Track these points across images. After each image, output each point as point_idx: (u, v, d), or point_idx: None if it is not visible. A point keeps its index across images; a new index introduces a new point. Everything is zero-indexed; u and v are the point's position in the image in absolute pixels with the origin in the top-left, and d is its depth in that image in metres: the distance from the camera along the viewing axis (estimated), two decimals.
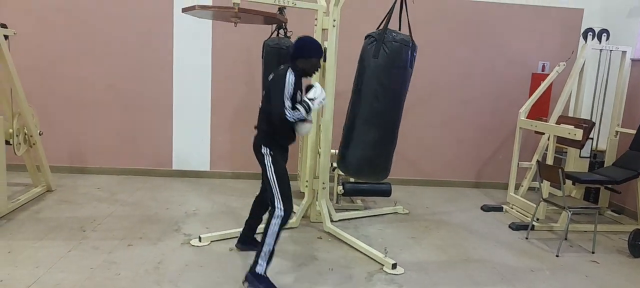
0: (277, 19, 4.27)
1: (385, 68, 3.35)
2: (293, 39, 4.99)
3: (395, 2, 3.44)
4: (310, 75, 3.22)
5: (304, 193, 4.59)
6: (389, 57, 3.31)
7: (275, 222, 3.14)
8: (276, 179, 3.18)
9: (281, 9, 4.78)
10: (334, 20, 4.18)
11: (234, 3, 3.79)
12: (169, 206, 4.78)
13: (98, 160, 5.86)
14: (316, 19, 4.28)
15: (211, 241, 3.91)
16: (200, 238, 3.88)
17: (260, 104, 3.31)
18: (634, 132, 4.97)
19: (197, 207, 4.82)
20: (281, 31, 5.03)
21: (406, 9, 3.42)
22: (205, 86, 5.82)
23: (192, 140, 5.91)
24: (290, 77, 3.01)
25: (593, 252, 4.17)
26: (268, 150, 3.19)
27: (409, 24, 3.41)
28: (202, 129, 5.90)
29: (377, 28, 3.49)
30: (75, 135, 5.78)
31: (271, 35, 5.02)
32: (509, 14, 5.99)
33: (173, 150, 5.91)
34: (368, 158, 3.51)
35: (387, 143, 3.54)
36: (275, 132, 3.18)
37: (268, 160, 3.20)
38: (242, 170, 6.01)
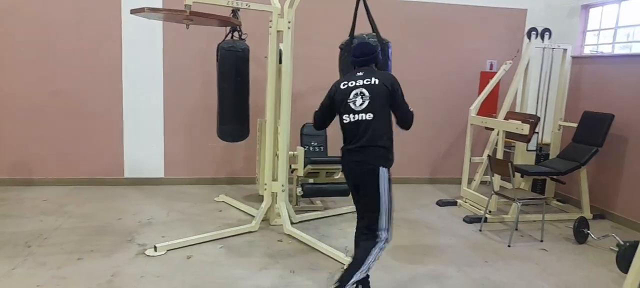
0: (230, 21, 4.21)
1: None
2: (248, 42, 4.96)
3: (357, 7, 3.47)
4: None
5: (262, 196, 4.55)
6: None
7: (380, 249, 2.81)
8: (390, 204, 2.80)
9: (235, 11, 4.71)
10: (289, 22, 4.17)
11: (185, 5, 3.70)
12: (122, 216, 4.60)
13: (44, 171, 5.55)
14: (271, 21, 4.24)
15: (167, 250, 3.80)
16: (155, 248, 3.75)
17: (354, 117, 2.80)
18: (575, 125, 5.26)
19: (152, 215, 4.67)
20: (236, 33, 4.96)
21: (367, 9, 3.45)
22: (157, 90, 5.65)
23: (144, 147, 5.72)
24: None
25: (542, 241, 4.37)
26: (386, 172, 2.78)
27: (373, 23, 3.44)
28: (155, 134, 5.73)
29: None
30: (18, 145, 5.46)
31: (225, 38, 4.94)
32: (458, 14, 6.18)
33: (124, 157, 5.70)
34: None
35: None
36: (392, 147, 2.82)
37: (385, 184, 2.77)
38: (198, 175, 5.88)
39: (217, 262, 3.66)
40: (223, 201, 5.18)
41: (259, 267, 3.59)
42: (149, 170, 5.77)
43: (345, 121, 2.85)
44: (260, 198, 5.18)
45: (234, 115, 4.96)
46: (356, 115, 2.79)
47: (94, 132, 5.58)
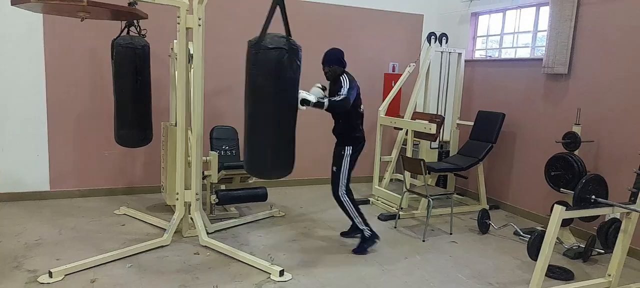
0: (134, 14, 3.81)
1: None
2: (148, 38, 4.54)
3: (273, 7, 3.29)
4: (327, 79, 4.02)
5: (171, 206, 4.20)
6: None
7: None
8: None
9: (132, 4, 4.26)
10: (200, 19, 3.89)
11: None
12: (1, 238, 3.93)
13: None
14: (179, 17, 3.92)
15: (65, 274, 3.31)
16: (50, 273, 3.25)
17: (362, 107, 4.08)
18: (471, 123, 5.68)
19: (40, 235, 4.05)
20: (133, 29, 4.52)
21: (283, 11, 3.28)
22: (37, 93, 4.92)
23: (24, 157, 4.95)
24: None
25: (451, 233, 4.64)
26: None
27: (287, 25, 3.30)
28: (37, 142, 4.99)
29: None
30: None
31: (121, 34, 4.47)
32: (360, 17, 6.32)
33: None
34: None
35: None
36: None
37: None
38: (92, 186, 5.25)
39: (127, 283, 3.28)
40: (125, 213, 4.69)
41: (178, 285, 3.28)
42: (31, 184, 5.02)
43: (361, 110, 4.05)
44: (166, 209, 4.80)
45: (135, 118, 4.53)
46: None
47: None
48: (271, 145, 3.32)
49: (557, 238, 3.29)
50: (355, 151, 3.99)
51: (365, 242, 4.06)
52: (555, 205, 3.16)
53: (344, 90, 3.77)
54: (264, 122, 3.28)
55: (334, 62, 3.96)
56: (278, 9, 3.26)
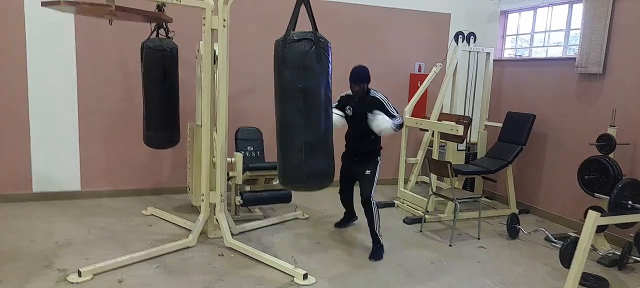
0: (161, 17, 3.86)
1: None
2: (175, 40, 4.59)
3: (298, 6, 3.25)
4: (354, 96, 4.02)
5: (197, 207, 4.23)
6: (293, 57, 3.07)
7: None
8: None
9: (160, 6, 4.32)
10: (224, 20, 3.90)
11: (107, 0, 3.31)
12: (34, 237, 4.03)
13: None
14: (204, 19, 3.94)
15: (94, 274, 3.36)
16: (79, 273, 3.31)
17: None
18: (500, 125, 5.54)
19: (70, 235, 4.14)
20: (162, 31, 4.57)
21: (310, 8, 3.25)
22: (69, 93, 5.04)
23: (56, 157, 5.08)
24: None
25: (479, 238, 4.52)
26: None
27: (314, 23, 3.25)
28: (69, 142, 5.12)
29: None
30: None
31: (150, 36, 4.53)
32: (386, 17, 6.25)
33: (32, 169, 5.02)
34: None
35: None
36: None
37: None
38: (120, 187, 5.35)
39: (153, 284, 3.31)
40: (152, 214, 4.75)
41: (202, 287, 3.30)
42: (63, 183, 5.15)
43: None
44: (193, 209, 4.84)
45: (163, 120, 4.58)
46: None
47: None
48: (307, 150, 3.00)
49: (591, 245, 3.16)
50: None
51: (381, 247, 4.01)
52: (590, 210, 3.04)
53: (394, 112, 3.93)
54: (296, 123, 3.01)
55: (364, 80, 3.95)
56: (303, 8, 3.22)
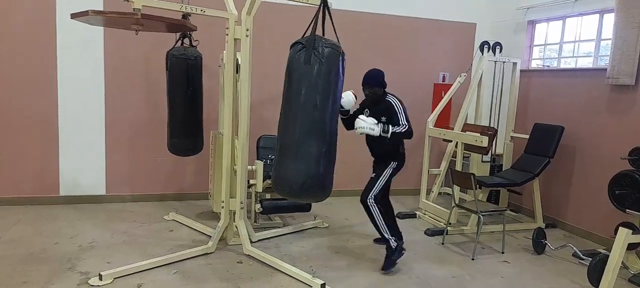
0: (185, 26, 3.93)
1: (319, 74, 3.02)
2: (200, 49, 4.66)
3: (319, 10, 3.24)
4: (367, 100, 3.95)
5: (218, 213, 4.25)
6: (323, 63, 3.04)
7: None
8: None
9: (186, 16, 4.40)
10: (247, 30, 3.93)
11: (134, 8, 3.37)
12: (59, 240, 4.12)
13: None
14: (227, 28, 3.99)
15: (114, 278, 3.41)
16: (100, 276, 3.36)
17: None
18: (526, 136, 5.40)
19: (94, 238, 4.22)
20: (186, 40, 4.65)
21: (330, 16, 3.23)
22: (97, 100, 5.17)
23: (83, 161, 5.21)
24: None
25: (503, 252, 4.40)
26: None
27: (335, 31, 3.24)
28: (96, 148, 5.24)
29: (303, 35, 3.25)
30: None
31: (175, 45, 4.61)
32: (410, 26, 6.20)
33: (60, 173, 5.16)
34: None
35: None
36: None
37: None
38: (144, 192, 5.44)
39: None
40: (174, 219, 4.81)
41: None
42: (88, 187, 5.27)
43: None
44: (214, 216, 4.87)
45: (187, 127, 4.65)
46: None
47: (25, 146, 5.01)
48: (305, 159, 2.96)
49: (622, 262, 3.03)
50: (398, 167, 3.95)
51: (392, 254, 3.83)
52: (621, 227, 2.91)
53: (403, 120, 3.77)
54: (287, 129, 3.04)
55: (375, 84, 3.84)
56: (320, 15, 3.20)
